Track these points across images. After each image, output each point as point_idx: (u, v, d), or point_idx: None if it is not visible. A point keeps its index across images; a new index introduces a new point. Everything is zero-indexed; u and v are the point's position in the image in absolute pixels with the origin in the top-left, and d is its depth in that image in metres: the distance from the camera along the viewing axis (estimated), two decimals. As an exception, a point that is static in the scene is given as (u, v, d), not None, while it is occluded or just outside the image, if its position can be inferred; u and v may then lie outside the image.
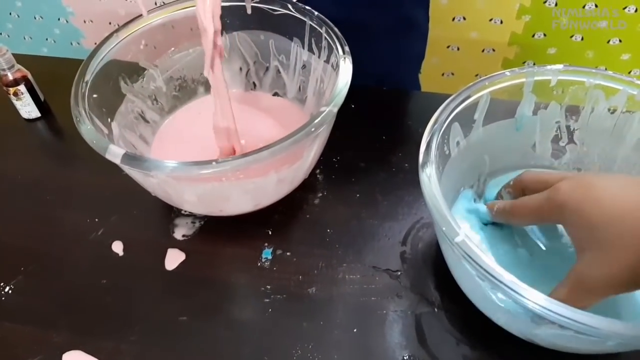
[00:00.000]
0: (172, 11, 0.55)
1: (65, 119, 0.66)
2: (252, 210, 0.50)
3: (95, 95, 0.48)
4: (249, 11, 0.55)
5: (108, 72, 0.51)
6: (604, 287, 0.33)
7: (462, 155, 0.46)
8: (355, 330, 0.44)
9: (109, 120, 0.50)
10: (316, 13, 0.53)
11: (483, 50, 1.31)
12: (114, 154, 0.41)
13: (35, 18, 1.55)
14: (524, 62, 1.31)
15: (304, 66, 0.58)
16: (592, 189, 0.34)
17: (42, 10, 1.53)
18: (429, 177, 0.39)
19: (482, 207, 0.46)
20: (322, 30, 0.52)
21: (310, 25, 0.54)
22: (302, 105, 0.60)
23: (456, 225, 0.35)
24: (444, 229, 0.35)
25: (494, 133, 0.47)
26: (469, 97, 0.44)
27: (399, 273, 0.48)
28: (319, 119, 0.43)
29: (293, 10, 0.54)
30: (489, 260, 0.33)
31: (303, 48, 0.56)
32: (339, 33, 0.51)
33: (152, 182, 0.45)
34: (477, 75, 1.37)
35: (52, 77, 0.69)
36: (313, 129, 0.42)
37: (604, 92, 0.46)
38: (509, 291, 0.32)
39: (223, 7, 0.55)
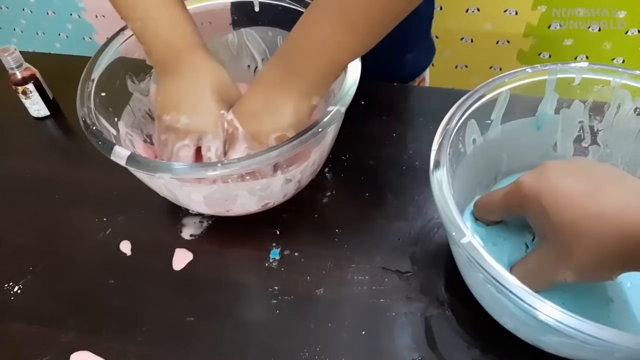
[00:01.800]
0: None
1: (75, 118, 0.64)
2: (259, 211, 0.49)
3: (102, 94, 0.48)
4: (256, 8, 0.54)
5: (115, 70, 0.50)
6: (557, 274, 0.35)
7: (478, 153, 0.45)
8: (363, 332, 0.44)
9: (116, 119, 0.49)
10: None
11: (497, 42, 1.29)
12: (119, 155, 0.40)
13: (47, 14, 1.56)
14: (539, 54, 1.29)
15: None
16: (550, 180, 0.35)
17: (55, 6, 1.54)
18: (439, 178, 0.38)
19: None
20: None
21: None
22: None
23: (464, 227, 0.34)
24: (452, 232, 0.35)
25: (513, 131, 0.46)
26: (487, 93, 0.43)
27: (409, 274, 0.47)
28: (326, 118, 0.42)
29: (300, 6, 0.53)
30: (493, 262, 0.32)
31: None
32: None
33: (159, 183, 0.44)
34: (491, 67, 1.34)
35: (61, 74, 0.69)
36: (320, 129, 0.41)
37: (631, 92, 0.44)
38: (512, 296, 0.31)
39: (232, 4, 0.55)
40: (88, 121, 0.44)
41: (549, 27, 1.22)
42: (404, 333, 0.43)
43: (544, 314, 0.30)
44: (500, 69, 1.34)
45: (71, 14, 1.55)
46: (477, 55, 1.32)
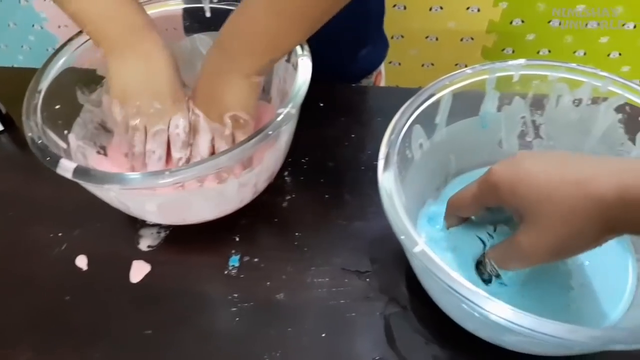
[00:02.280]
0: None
1: (29, 131, 0.64)
2: (216, 218, 0.49)
3: (50, 107, 0.47)
4: (207, 14, 0.54)
5: (64, 81, 0.49)
6: (530, 255, 0.36)
7: (426, 157, 0.45)
8: (324, 335, 0.43)
9: (66, 132, 0.48)
10: None
11: (462, 40, 1.30)
12: (65, 168, 0.40)
13: (9, 26, 1.53)
14: (502, 50, 1.30)
15: None
16: (521, 168, 0.36)
17: (16, 18, 1.51)
18: (388, 189, 0.37)
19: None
20: None
21: None
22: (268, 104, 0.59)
23: (416, 236, 0.34)
24: (402, 238, 0.35)
25: (458, 132, 0.46)
26: (429, 97, 0.43)
27: (369, 274, 0.47)
28: (277, 120, 0.42)
29: None
30: (449, 270, 0.32)
31: None
32: None
33: (110, 196, 0.44)
34: (456, 64, 1.36)
35: (15, 88, 0.67)
36: (270, 132, 0.41)
37: (568, 85, 0.45)
38: (468, 302, 0.31)
39: (184, 10, 0.55)
40: (34, 135, 0.43)
41: (511, 23, 1.24)
42: (364, 333, 0.43)
43: (500, 317, 0.30)
44: (466, 66, 1.35)
45: (33, 25, 1.52)
46: (442, 53, 1.33)
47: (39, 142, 0.42)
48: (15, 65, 1.63)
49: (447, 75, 0.45)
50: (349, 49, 0.72)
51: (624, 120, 0.44)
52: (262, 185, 0.49)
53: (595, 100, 0.45)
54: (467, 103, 0.46)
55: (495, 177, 0.37)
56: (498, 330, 0.36)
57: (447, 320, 0.41)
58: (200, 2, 0.55)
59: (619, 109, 0.44)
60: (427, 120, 0.44)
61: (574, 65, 0.45)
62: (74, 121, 0.50)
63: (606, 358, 0.40)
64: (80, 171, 0.39)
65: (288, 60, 0.52)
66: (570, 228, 0.33)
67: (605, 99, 0.44)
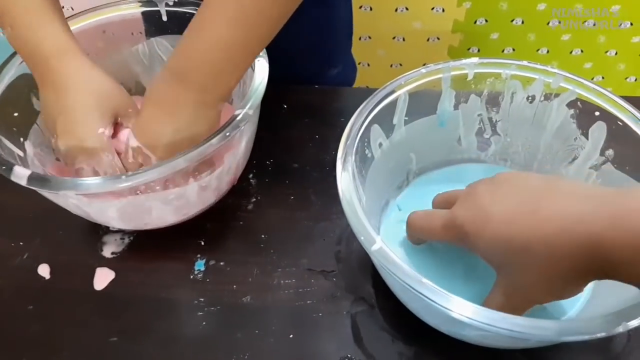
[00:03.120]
0: (84, 20, 0.53)
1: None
2: (180, 221, 0.49)
3: (4, 114, 0.46)
4: (164, 17, 0.53)
5: (18, 88, 0.48)
6: (528, 300, 0.34)
7: (386, 156, 0.46)
8: (291, 336, 0.44)
9: (22, 139, 0.47)
10: None
11: (428, 40, 1.32)
12: (19, 175, 0.39)
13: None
14: (468, 49, 1.33)
15: None
16: (485, 208, 0.34)
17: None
18: (347, 190, 0.38)
19: None
20: None
21: None
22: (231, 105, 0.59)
23: (373, 233, 0.35)
24: (362, 239, 0.35)
25: (417, 130, 0.47)
26: (386, 97, 0.44)
27: (334, 273, 0.47)
28: (235, 121, 0.42)
29: None
30: (405, 267, 0.33)
31: None
32: None
33: (69, 202, 0.43)
34: (424, 64, 1.37)
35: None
36: (228, 133, 0.41)
37: (521, 82, 0.46)
38: (426, 300, 0.32)
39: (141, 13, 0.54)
40: None
41: (475, 22, 1.26)
42: (331, 332, 0.44)
43: (460, 313, 0.31)
44: (434, 65, 1.37)
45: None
46: (409, 53, 1.35)
47: None
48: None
49: (403, 75, 0.45)
50: (317, 67, 0.72)
51: (576, 115, 0.45)
52: (224, 187, 0.49)
53: (547, 97, 0.46)
54: (424, 102, 0.46)
55: (461, 225, 0.35)
56: (458, 325, 0.37)
57: (412, 317, 0.42)
58: (156, 6, 0.54)
59: (571, 104, 0.45)
60: (385, 120, 0.45)
61: (525, 62, 0.46)
62: (30, 128, 0.49)
63: (563, 350, 0.42)
64: (35, 178, 0.39)
65: None
66: (552, 279, 0.31)
67: (557, 95, 0.46)
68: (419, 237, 0.44)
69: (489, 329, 0.30)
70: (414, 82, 0.45)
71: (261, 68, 0.46)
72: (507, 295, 0.34)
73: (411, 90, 0.45)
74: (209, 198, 0.48)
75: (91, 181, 0.38)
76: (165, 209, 0.45)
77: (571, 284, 0.32)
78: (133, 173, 0.38)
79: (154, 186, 0.42)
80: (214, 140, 0.40)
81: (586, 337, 0.30)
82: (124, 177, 0.38)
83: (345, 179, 0.38)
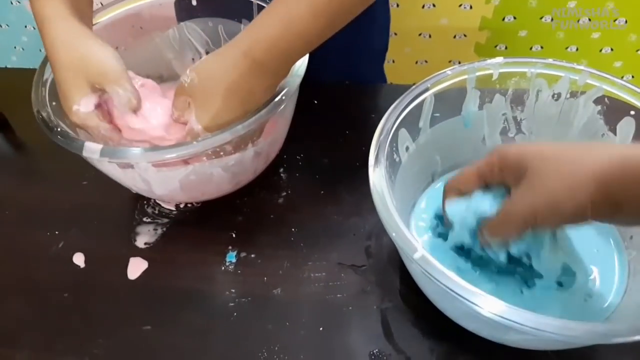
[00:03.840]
0: (113, 11, 0.54)
1: (24, 132, 0.64)
2: (232, 191, 0.51)
3: (54, 103, 0.47)
4: (194, 2, 0.54)
5: None
6: (519, 212, 0.35)
7: (412, 159, 0.46)
8: (321, 328, 0.44)
9: (75, 130, 0.49)
10: None
11: (455, 37, 1.30)
12: (91, 150, 0.41)
13: (1, 27, 1.52)
14: (495, 46, 1.31)
15: None
16: (529, 142, 0.37)
17: (8, 19, 1.50)
18: (382, 195, 0.38)
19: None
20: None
21: (258, 4, 0.54)
22: None
23: (414, 240, 0.35)
24: (402, 246, 0.35)
25: (442, 132, 0.47)
26: (412, 101, 0.44)
27: (364, 268, 0.48)
28: (282, 95, 0.44)
29: None
30: (448, 273, 0.33)
31: None
32: None
33: (132, 175, 0.45)
34: (450, 61, 1.36)
35: (10, 90, 0.68)
36: (283, 97, 0.43)
37: (547, 80, 0.46)
38: (471, 305, 0.31)
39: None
40: (50, 124, 0.44)
41: (503, 19, 1.25)
42: (360, 326, 0.44)
43: (513, 320, 0.31)
44: (459, 62, 1.35)
45: (26, 26, 1.51)
46: (435, 50, 1.34)
47: (58, 129, 0.43)
48: (9, 66, 1.62)
49: (428, 77, 0.45)
50: (346, 75, 0.72)
51: (604, 111, 0.45)
52: (272, 155, 0.52)
53: (574, 94, 0.46)
54: (449, 103, 0.46)
55: (503, 148, 0.37)
56: (501, 330, 0.36)
57: (442, 313, 0.42)
58: None
59: (598, 100, 0.45)
60: (411, 123, 0.45)
61: (550, 60, 0.45)
62: None
63: (596, 350, 0.41)
64: (107, 151, 0.40)
65: None
66: (565, 185, 0.33)
67: (583, 92, 0.45)
68: (455, 184, 0.42)
69: (536, 333, 0.30)
70: (439, 84, 0.45)
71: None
72: (507, 212, 0.36)
73: (437, 92, 0.45)
74: (260, 165, 0.50)
75: (162, 149, 0.40)
76: (224, 176, 0.47)
77: (578, 199, 0.33)
78: (203, 138, 0.40)
79: (219, 152, 0.43)
80: (268, 108, 0.43)
81: (633, 339, 0.29)
82: (195, 142, 0.40)
83: (380, 188, 0.39)
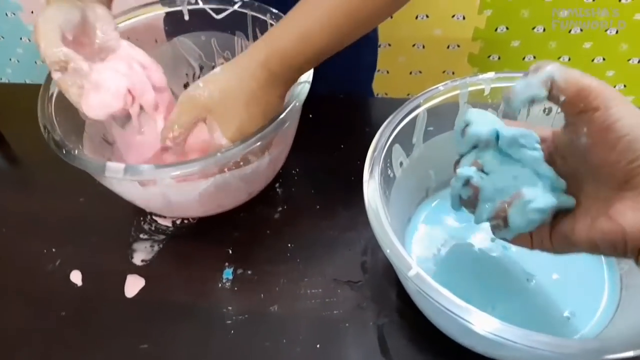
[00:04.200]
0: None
1: (19, 147, 0.64)
2: (245, 201, 0.53)
3: (61, 125, 0.47)
4: (186, 17, 0.55)
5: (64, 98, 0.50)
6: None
7: (407, 174, 0.46)
8: (318, 345, 0.44)
9: (81, 147, 0.49)
10: (256, 3, 0.54)
11: (448, 47, 1.32)
12: (114, 170, 0.41)
13: (-4, 39, 1.52)
14: (489, 56, 1.32)
15: None
16: None
17: (3, 30, 1.50)
18: (377, 213, 0.38)
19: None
20: (267, 17, 0.54)
21: (252, 15, 0.54)
22: None
23: (408, 257, 0.35)
24: (396, 263, 0.35)
25: (436, 147, 0.48)
26: (405, 117, 0.45)
27: (360, 284, 0.48)
28: (292, 108, 0.45)
29: (228, 5, 0.55)
30: (442, 290, 0.33)
31: (248, 40, 0.57)
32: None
33: (152, 192, 0.45)
34: (444, 71, 1.37)
35: (5, 104, 0.68)
36: (297, 103, 0.46)
37: None
38: (465, 323, 0.32)
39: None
40: (64, 147, 0.44)
41: (496, 30, 1.26)
42: (357, 343, 0.44)
43: (507, 339, 0.31)
44: (453, 73, 1.37)
45: (21, 38, 1.51)
46: (429, 60, 1.35)
47: (76, 152, 0.43)
48: (4, 79, 1.62)
49: (421, 93, 0.46)
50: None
51: None
52: (280, 163, 0.54)
53: None
54: (443, 118, 0.47)
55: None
56: (495, 346, 0.37)
57: (438, 329, 0.42)
58: (177, 5, 0.56)
59: None
60: (405, 139, 0.45)
61: None
62: (83, 136, 0.51)
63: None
64: (130, 170, 0.41)
65: None
66: None
67: None
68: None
69: (531, 351, 0.31)
70: (432, 99, 0.46)
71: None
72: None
73: (429, 108, 0.46)
74: (270, 174, 0.53)
75: (186, 163, 0.41)
76: (240, 187, 0.48)
77: None
78: (226, 149, 0.42)
79: (239, 162, 0.45)
80: (288, 114, 0.45)
81: (626, 355, 0.30)
82: (218, 154, 0.41)
83: (375, 205, 0.39)
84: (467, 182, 0.37)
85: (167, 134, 0.45)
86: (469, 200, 0.38)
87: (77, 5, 0.46)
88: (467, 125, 0.37)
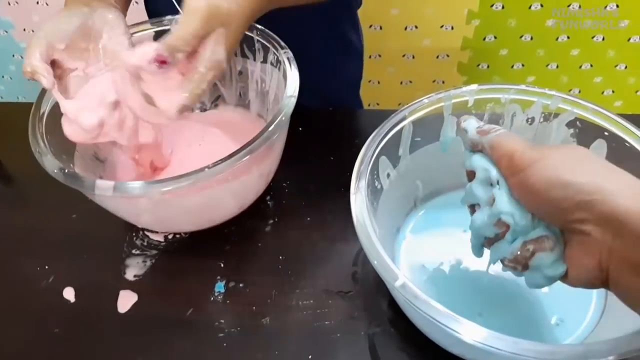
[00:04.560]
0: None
1: (12, 165, 0.65)
2: (236, 214, 0.53)
3: (52, 145, 0.48)
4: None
5: (57, 115, 0.49)
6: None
7: (394, 185, 0.47)
8: (310, 356, 0.44)
9: (72, 166, 0.50)
10: None
11: (438, 57, 1.33)
12: (104, 187, 0.42)
13: (-12, 56, 1.53)
14: (478, 65, 1.34)
15: (240, 72, 0.60)
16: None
17: (-5, 49, 1.51)
18: (362, 223, 0.39)
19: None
20: (254, 34, 0.55)
21: (258, 39, 0.55)
22: (247, 109, 0.63)
23: (395, 269, 0.36)
24: (384, 275, 0.36)
25: (422, 158, 0.49)
26: (391, 129, 0.45)
27: (351, 294, 0.48)
28: (280, 120, 0.46)
29: None
30: (430, 301, 0.34)
31: (235, 55, 0.58)
32: (271, 33, 0.54)
33: (142, 207, 0.46)
34: (434, 81, 1.39)
35: (-3, 122, 0.68)
36: (284, 117, 0.46)
37: (520, 105, 0.48)
38: (453, 332, 0.32)
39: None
40: (54, 167, 0.44)
41: (484, 39, 1.28)
42: (349, 353, 0.45)
43: (491, 346, 0.31)
44: (443, 82, 1.38)
45: (13, 55, 1.52)
46: (419, 70, 1.36)
47: (66, 171, 0.44)
48: (-4, 96, 1.63)
49: (406, 106, 0.47)
50: (323, 102, 0.74)
51: (576, 134, 0.46)
52: (271, 176, 0.55)
53: (547, 117, 0.47)
54: (428, 129, 0.48)
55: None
56: (484, 355, 0.37)
57: (428, 337, 0.42)
58: (165, 25, 0.57)
59: (570, 124, 0.46)
60: (391, 151, 0.46)
61: (523, 86, 0.47)
62: (74, 155, 0.52)
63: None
64: (119, 187, 0.41)
65: (264, 61, 0.56)
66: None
67: (556, 116, 0.47)
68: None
69: (518, 358, 0.31)
70: (417, 112, 0.46)
71: (292, 78, 0.50)
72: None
73: (415, 120, 0.46)
74: (261, 187, 0.54)
75: (176, 178, 0.42)
76: (231, 201, 0.49)
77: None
78: (214, 164, 0.42)
79: (227, 176, 0.45)
80: (275, 128, 0.46)
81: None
82: (206, 169, 0.42)
83: (361, 216, 0.40)
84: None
85: (179, 43, 0.41)
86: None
87: (83, 11, 0.47)
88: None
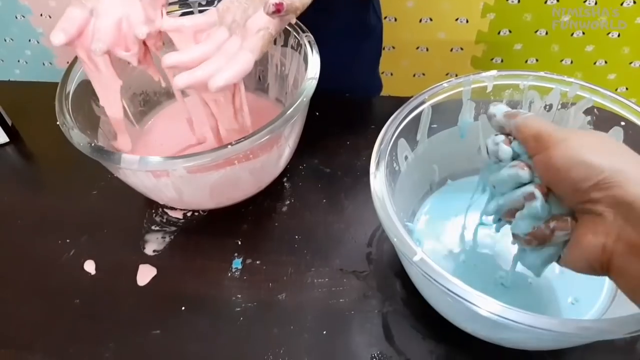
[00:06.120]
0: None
1: (34, 143, 0.66)
2: (254, 194, 0.55)
3: (77, 121, 0.49)
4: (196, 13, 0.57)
5: (80, 94, 0.51)
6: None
7: (411, 168, 0.48)
8: (325, 332, 0.45)
9: (96, 141, 0.51)
10: None
11: (452, 50, 1.33)
12: (130, 161, 0.43)
13: (5, 40, 1.55)
14: (492, 59, 1.34)
15: None
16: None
17: (12, 33, 1.53)
18: (382, 200, 0.39)
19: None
20: None
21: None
22: (265, 93, 0.64)
23: (412, 243, 0.36)
24: (402, 249, 0.36)
25: (439, 143, 0.49)
26: (411, 112, 0.46)
27: (366, 274, 0.49)
28: (300, 103, 0.46)
29: None
30: (446, 275, 0.34)
31: None
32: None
33: (164, 183, 0.47)
34: (447, 74, 1.39)
35: (20, 101, 0.70)
36: (304, 99, 0.47)
37: (539, 92, 0.48)
38: (469, 304, 0.33)
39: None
40: (81, 141, 0.45)
41: (499, 33, 1.28)
42: (363, 330, 0.46)
43: (502, 316, 0.32)
44: (456, 75, 1.38)
45: (29, 40, 1.54)
46: (433, 63, 1.36)
47: (93, 144, 0.45)
48: (12, 79, 1.65)
49: (426, 89, 0.47)
50: (341, 82, 0.74)
51: (593, 121, 0.47)
52: (287, 158, 0.55)
53: (564, 105, 0.48)
54: (446, 114, 0.48)
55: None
56: (498, 329, 0.38)
57: (441, 316, 0.43)
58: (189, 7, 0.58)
59: (588, 111, 0.47)
60: (410, 134, 0.47)
61: (542, 73, 0.47)
62: (98, 132, 0.53)
63: (590, 350, 0.43)
64: (144, 161, 0.42)
65: (285, 45, 0.57)
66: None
67: (574, 103, 0.47)
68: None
69: (531, 330, 0.32)
70: (436, 96, 0.47)
71: (314, 61, 0.51)
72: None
73: (434, 104, 0.47)
74: (279, 168, 0.55)
75: (199, 154, 0.42)
76: (250, 179, 0.50)
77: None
78: (237, 141, 0.43)
79: (248, 154, 0.46)
80: (297, 107, 0.46)
81: (621, 335, 0.31)
82: (229, 146, 0.43)
83: (381, 194, 0.40)
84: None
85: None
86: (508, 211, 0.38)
87: None
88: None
